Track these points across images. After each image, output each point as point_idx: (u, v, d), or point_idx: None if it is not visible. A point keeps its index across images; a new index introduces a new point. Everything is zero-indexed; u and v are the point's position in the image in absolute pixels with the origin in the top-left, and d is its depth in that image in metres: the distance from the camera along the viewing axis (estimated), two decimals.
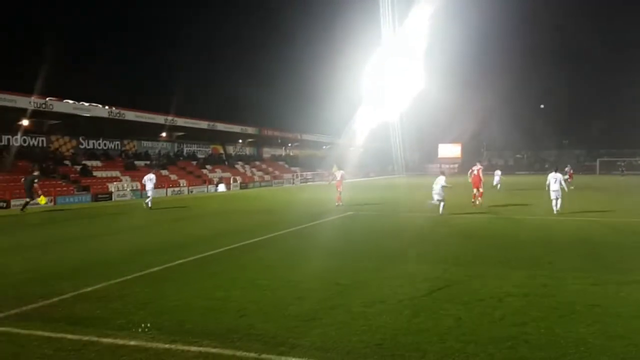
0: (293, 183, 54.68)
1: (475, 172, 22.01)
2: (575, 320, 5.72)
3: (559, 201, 17.98)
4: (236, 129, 51.82)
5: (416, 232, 13.40)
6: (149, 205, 23.89)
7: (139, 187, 34.58)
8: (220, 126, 49.10)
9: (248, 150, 61.75)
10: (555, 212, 17.75)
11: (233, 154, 58.17)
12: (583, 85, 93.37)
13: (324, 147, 73.36)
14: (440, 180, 18.23)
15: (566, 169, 38.37)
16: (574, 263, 9.03)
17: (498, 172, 35.25)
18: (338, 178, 24.06)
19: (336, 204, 22.55)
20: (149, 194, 24.56)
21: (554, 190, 18.13)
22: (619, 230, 13.27)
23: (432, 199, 18.31)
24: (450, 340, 5.17)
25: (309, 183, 55.71)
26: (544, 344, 5.01)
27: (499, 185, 33.36)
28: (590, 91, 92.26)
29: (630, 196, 26.33)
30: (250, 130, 54.08)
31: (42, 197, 23.68)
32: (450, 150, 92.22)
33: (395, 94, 51.37)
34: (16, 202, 25.86)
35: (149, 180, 24.49)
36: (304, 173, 60.23)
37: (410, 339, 5.23)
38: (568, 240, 11.51)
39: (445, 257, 9.75)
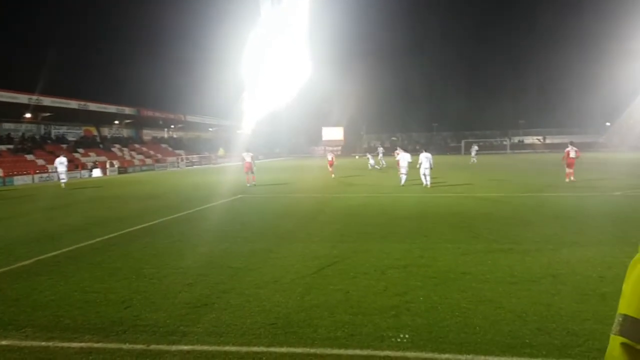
0: (178, 167, 53.00)
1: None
2: (450, 288, 6.12)
3: (429, 177, 20.39)
4: (111, 109, 48.71)
5: (304, 213, 13.49)
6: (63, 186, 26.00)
7: (2, 173, 31.15)
8: (93, 106, 45.74)
9: (126, 132, 58.46)
10: (425, 184, 20.21)
11: (109, 136, 54.61)
12: (447, 71, 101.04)
13: (210, 129, 71.67)
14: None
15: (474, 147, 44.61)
16: (446, 235, 9.65)
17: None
18: (248, 160, 24.55)
19: (248, 184, 23.57)
20: (62, 177, 26.74)
21: (425, 168, 20.37)
22: (485, 203, 14.33)
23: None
24: (340, 314, 5.37)
25: (195, 166, 54.14)
26: (423, 311, 5.36)
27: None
28: (453, 76, 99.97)
29: (486, 173, 28.04)
30: (127, 110, 51.26)
31: None
32: (333, 134, 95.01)
33: (280, 76, 51.39)
34: None
35: (60, 163, 26.93)
36: (190, 156, 58.35)
37: (302, 315, 5.36)
38: (440, 215, 12.23)
39: (332, 236, 9.98)
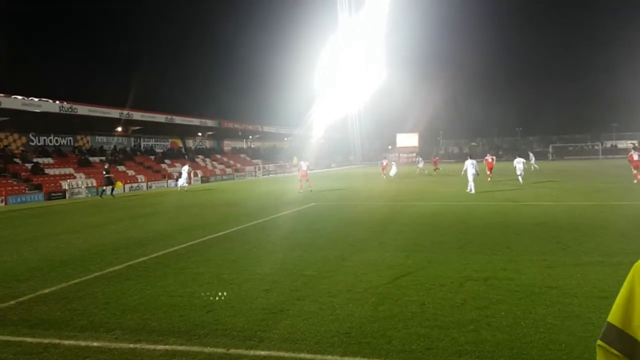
0: (255, 175, 54.27)
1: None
2: (534, 302, 5.86)
3: (472, 184, 21.34)
4: (195, 121, 50.98)
5: (376, 222, 13.41)
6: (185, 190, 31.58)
7: (94, 183, 33.56)
8: (178, 119, 48.10)
9: (208, 144, 60.85)
10: (469, 190, 21.25)
11: (193, 147, 56.95)
12: (534, 73, 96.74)
13: (285, 138, 72.85)
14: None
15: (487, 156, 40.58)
16: (530, 246, 9.24)
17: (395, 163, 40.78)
18: (304, 168, 25.70)
19: (300, 191, 24.71)
20: (183, 182, 33.01)
21: (473, 174, 21.46)
22: (572, 213, 13.60)
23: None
24: (415, 326, 5.24)
25: (271, 175, 55.33)
26: (505, 326, 5.13)
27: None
28: (540, 78, 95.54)
29: (573, 180, 26.84)
30: (209, 122, 53.37)
31: (118, 182, 31.39)
32: (408, 140, 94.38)
33: (354, 83, 51.53)
34: None
35: (184, 171, 32.96)
36: (266, 165, 59.93)
37: (376, 326, 5.30)
38: (524, 224, 11.74)
39: (406, 245, 9.83)
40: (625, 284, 1.43)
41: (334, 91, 50.96)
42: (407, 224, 12.73)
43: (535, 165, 42.51)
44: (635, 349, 1.27)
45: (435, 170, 41.69)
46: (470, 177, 21.43)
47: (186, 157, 52.51)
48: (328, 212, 16.55)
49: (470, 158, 22.07)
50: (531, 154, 45.75)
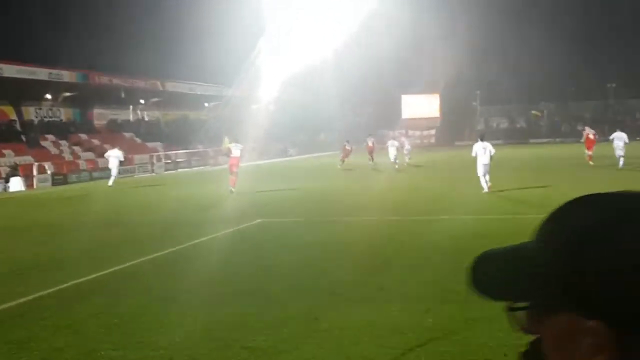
0: (153, 171, 49.74)
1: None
2: None
3: (487, 177, 22.06)
4: (41, 74, 46.33)
5: (370, 251, 12.75)
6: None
7: None
8: (9, 70, 43.11)
9: (65, 114, 54.99)
10: (486, 189, 21.87)
11: (36, 120, 51.52)
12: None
13: (207, 104, 69.00)
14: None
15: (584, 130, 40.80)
16: None
17: (398, 142, 41.43)
18: (236, 154, 26.53)
19: (230, 189, 25.67)
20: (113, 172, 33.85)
21: (483, 164, 21.98)
22: None
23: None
24: None
25: (181, 170, 51.74)
26: None
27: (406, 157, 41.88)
28: None
29: None
30: (67, 76, 48.86)
31: None
32: (421, 106, 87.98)
33: (329, 8, 48.08)
34: None
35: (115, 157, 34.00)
36: (172, 152, 55.12)
37: None
38: None
39: (425, 291, 9.28)
40: None
41: (294, 22, 47.76)
42: (424, 254, 12.10)
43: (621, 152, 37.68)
44: None
45: (370, 161, 42.54)
46: (481, 170, 22.37)
47: (23, 137, 46.95)
48: (286, 234, 15.92)
49: (482, 140, 22.90)
50: (620, 135, 40.15)
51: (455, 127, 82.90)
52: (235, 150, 26.73)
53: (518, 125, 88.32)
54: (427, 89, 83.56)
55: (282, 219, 18.80)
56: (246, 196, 24.98)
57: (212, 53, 58.53)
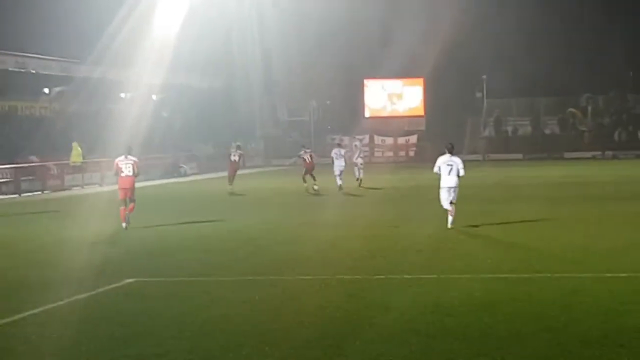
0: None
1: None
2: None
3: (453, 207, 22.12)
4: None
5: (324, 329, 11.15)
6: None
7: None
8: None
9: None
10: (449, 225, 21.92)
11: None
12: None
13: (46, 89, 61.82)
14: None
15: None
16: None
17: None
18: (128, 172, 24.60)
19: (124, 224, 24.15)
20: None
21: (448, 188, 21.83)
22: None
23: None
24: None
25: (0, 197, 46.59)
26: None
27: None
28: None
29: None
30: None
31: None
32: (397, 99, 78.71)
33: None
34: None
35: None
36: None
37: None
38: None
39: None
40: None
41: None
42: (400, 342, 10.40)
43: None
44: None
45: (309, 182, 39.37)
46: (445, 195, 22.16)
47: None
48: (170, 304, 13.67)
49: (450, 153, 22.50)
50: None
51: (449, 133, 64.09)
52: (127, 167, 24.86)
53: (547, 131, 73.29)
54: (406, 71, 72.98)
55: (170, 278, 16.85)
56: (116, 240, 23.58)
57: (59, 6, 54.11)
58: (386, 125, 75.01)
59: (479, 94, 75.22)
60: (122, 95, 60.60)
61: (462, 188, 27.64)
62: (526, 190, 34.64)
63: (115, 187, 24.79)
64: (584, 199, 32.33)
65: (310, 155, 39.72)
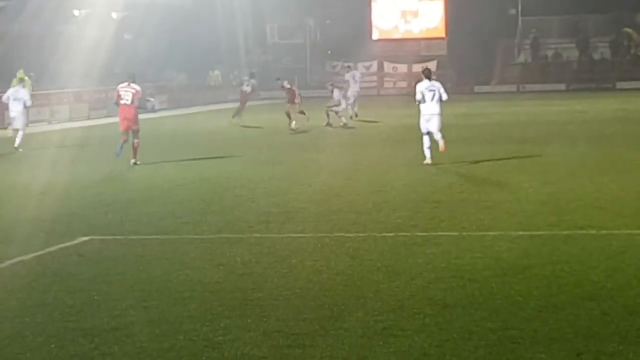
0: None
1: None
2: None
3: (440, 135, 24.20)
4: None
5: (322, 299, 11.09)
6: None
7: None
8: None
9: None
10: (428, 159, 23.90)
11: None
12: None
13: None
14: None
15: None
16: None
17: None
18: (126, 99, 26.39)
19: (133, 162, 26.50)
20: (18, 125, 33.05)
21: (430, 115, 23.83)
22: None
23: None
24: None
25: None
26: None
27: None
28: None
29: None
30: None
31: None
32: (412, 18, 78.32)
33: None
34: None
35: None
36: None
37: None
38: None
39: None
40: None
41: None
42: (410, 313, 10.41)
43: None
44: None
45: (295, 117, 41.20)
46: (423, 123, 24.12)
47: None
48: (135, 271, 13.38)
49: (429, 79, 24.89)
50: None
51: (476, 59, 69.04)
52: (127, 95, 26.38)
53: (596, 56, 74.04)
54: None
55: (131, 236, 16.82)
56: (69, 190, 23.51)
57: None
58: (399, 49, 74.21)
59: (512, 11, 74.55)
60: (76, 12, 60.31)
61: (489, 126, 28.16)
62: (569, 128, 34.84)
63: (68, 126, 25.00)
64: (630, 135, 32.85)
65: (290, 85, 41.88)
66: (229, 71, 72.27)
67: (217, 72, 74.26)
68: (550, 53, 73.08)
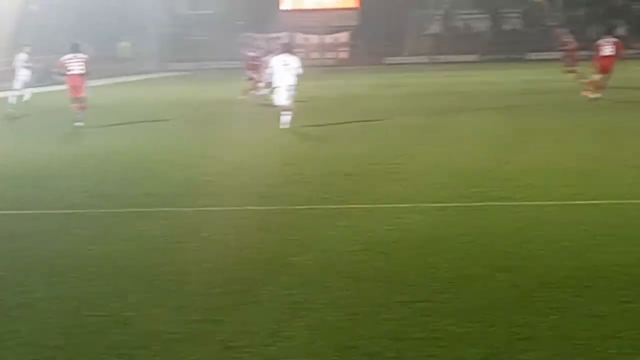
0: None
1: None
2: None
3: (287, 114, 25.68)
4: None
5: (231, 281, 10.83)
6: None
7: None
8: None
9: None
10: (284, 124, 25.33)
11: None
12: None
13: None
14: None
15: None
16: None
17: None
18: (75, 70, 27.61)
19: (76, 123, 27.90)
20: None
21: (288, 86, 25.04)
22: None
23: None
24: None
25: None
26: None
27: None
28: None
29: None
30: None
31: None
32: None
33: None
34: None
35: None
36: None
37: None
38: None
39: None
40: None
41: None
42: (322, 287, 10.60)
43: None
44: None
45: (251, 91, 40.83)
46: (283, 97, 25.53)
47: None
48: (42, 247, 13.16)
49: (287, 53, 26.41)
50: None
51: (387, 30, 69.91)
52: (78, 65, 27.76)
53: (507, 27, 77.38)
54: None
55: (37, 210, 16.58)
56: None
57: None
58: (309, 19, 74.02)
59: None
60: None
61: (400, 97, 28.22)
62: (480, 99, 35.03)
63: None
64: (551, 108, 32.75)
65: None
66: (138, 44, 70.79)
67: (126, 43, 73.38)
68: (461, 24, 74.61)
